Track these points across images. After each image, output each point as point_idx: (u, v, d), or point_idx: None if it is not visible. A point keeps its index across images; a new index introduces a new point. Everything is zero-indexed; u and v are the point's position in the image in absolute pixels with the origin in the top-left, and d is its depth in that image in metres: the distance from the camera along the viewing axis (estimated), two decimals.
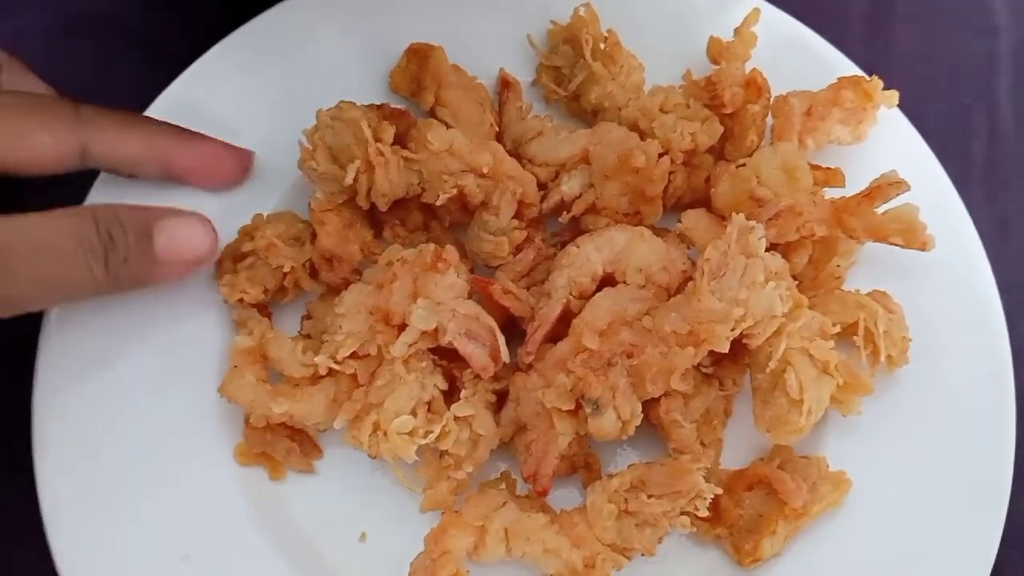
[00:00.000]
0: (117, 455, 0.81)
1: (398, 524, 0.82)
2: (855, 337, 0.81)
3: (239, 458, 0.82)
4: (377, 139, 0.80)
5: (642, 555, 0.76)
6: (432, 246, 0.79)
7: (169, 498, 0.80)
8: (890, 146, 0.91)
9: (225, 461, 0.82)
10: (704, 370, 0.82)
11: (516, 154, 0.89)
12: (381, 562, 0.81)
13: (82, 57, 1.00)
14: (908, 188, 0.80)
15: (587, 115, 0.93)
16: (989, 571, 0.79)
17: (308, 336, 0.83)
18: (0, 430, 0.85)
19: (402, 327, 0.75)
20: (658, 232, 0.86)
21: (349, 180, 0.79)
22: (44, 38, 1.00)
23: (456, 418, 0.75)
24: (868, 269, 0.88)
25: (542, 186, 0.88)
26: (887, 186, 0.80)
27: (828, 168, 0.84)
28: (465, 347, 0.76)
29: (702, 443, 0.81)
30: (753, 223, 0.76)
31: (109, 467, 0.80)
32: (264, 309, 0.85)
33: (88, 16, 1.01)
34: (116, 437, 0.81)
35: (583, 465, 0.81)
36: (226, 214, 0.86)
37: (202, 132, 0.87)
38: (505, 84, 0.94)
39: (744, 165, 0.82)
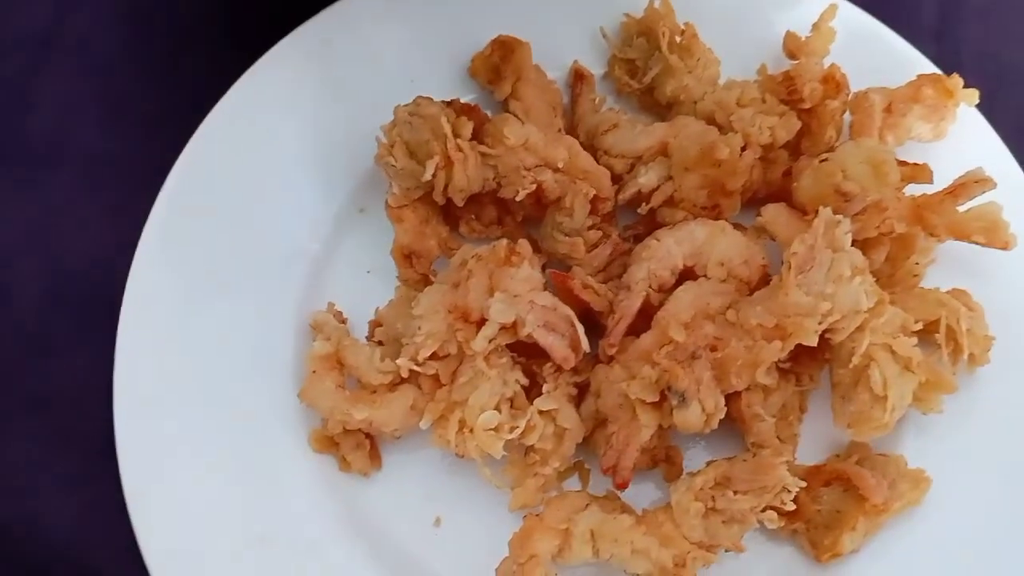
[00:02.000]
0: (197, 441, 0.81)
1: (472, 508, 0.82)
2: (936, 335, 0.81)
3: (314, 444, 0.83)
4: (456, 135, 0.80)
5: (727, 551, 0.76)
6: (505, 241, 0.79)
7: (246, 482, 0.81)
8: (967, 144, 0.90)
9: (301, 447, 0.83)
10: (781, 366, 0.82)
11: (591, 146, 0.89)
12: (456, 546, 0.82)
13: (146, 48, 1.00)
14: (994, 186, 0.80)
15: (660, 108, 0.93)
16: None
17: (380, 343, 0.83)
18: (86, 415, 0.85)
19: (481, 323, 0.75)
20: (735, 226, 0.86)
21: (428, 176, 0.79)
22: (120, 22, 1.00)
23: (540, 412, 0.75)
24: (944, 267, 0.87)
25: (617, 178, 0.88)
26: (972, 183, 0.80)
27: (915, 164, 0.83)
28: (545, 338, 0.76)
29: (779, 439, 0.81)
30: (839, 217, 0.76)
31: (191, 455, 0.81)
32: (339, 315, 0.86)
33: (151, 7, 1.01)
34: (198, 426, 0.82)
35: (664, 459, 0.81)
36: (291, 209, 0.88)
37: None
38: (579, 76, 0.94)
39: (827, 160, 0.82)
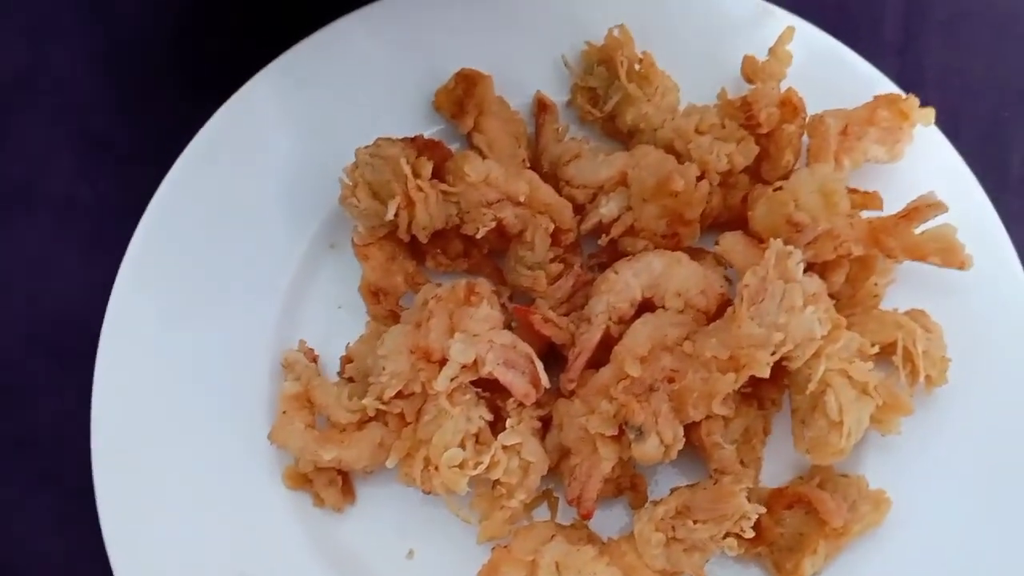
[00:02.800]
0: (174, 479, 0.84)
1: (444, 541, 0.85)
2: (894, 357, 0.82)
3: (288, 482, 0.85)
4: (416, 175, 0.82)
5: None
6: (464, 281, 0.81)
7: (224, 519, 0.84)
8: (927, 164, 0.91)
9: (276, 484, 0.85)
10: (743, 390, 0.83)
11: (553, 176, 0.91)
12: None
13: (127, 82, 1.02)
14: (946, 210, 0.81)
15: (622, 136, 0.94)
16: None
17: (351, 379, 0.85)
18: (64, 456, 0.88)
19: (443, 362, 0.77)
20: (695, 253, 0.87)
21: (390, 216, 0.81)
22: (94, 63, 1.02)
23: (504, 447, 0.77)
24: (906, 287, 0.88)
25: (579, 208, 0.90)
26: (925, 207, 0.81)
27: (866, 192, 0.85)
28: (505, 376, 0.78)
29: (742, 462, 0.82)
30: (791, 248, 0.77)
31: (167, 492, 0.83)
32: (310, 353, 0.87)
33: (133, 42, 1.03)
34: (175, 464, 0.84)
35: (629, 487, 0.83)
36: (262, 246, 0.89)
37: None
38: (542, 106, 0.95)
39: (781, 188, 0.83)
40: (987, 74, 1.04)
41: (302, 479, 0.84)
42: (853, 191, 0.84)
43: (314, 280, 0.92)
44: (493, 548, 0.79)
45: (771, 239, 0.77)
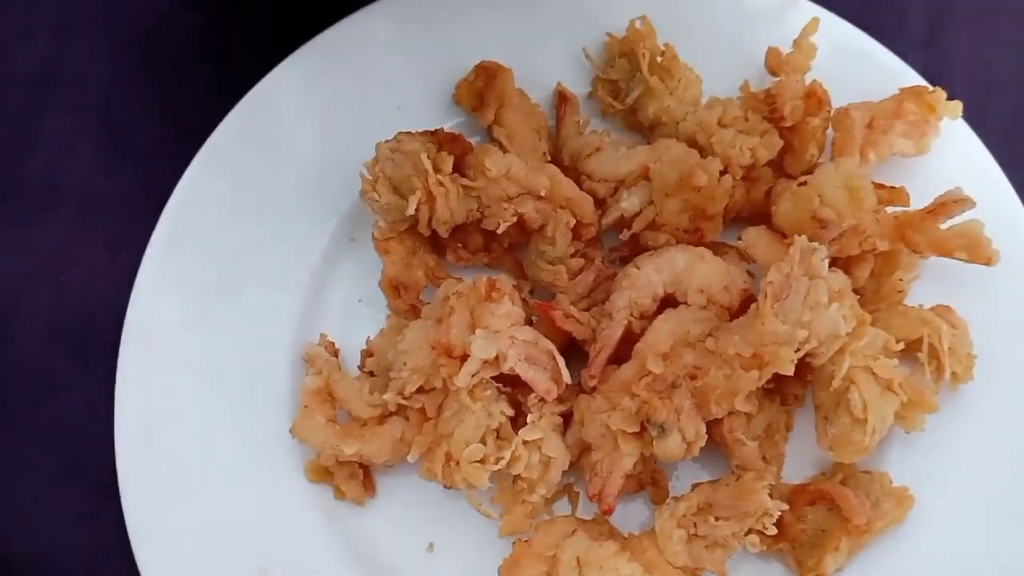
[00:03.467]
0: (196, 472, 0.84)
1: (465, 534, 0.85)
2: (919, 354, 0.81)
3: (309, 475, 0.85)
4: (436, 169, 0.81)
5: (713, 574, 0.78)
6: (485, 278, 0.81)
7: (246, 512, 0.84)
8: (954, 157, 0.90)
9: (298, 477, 0.85)
10: (766, 386, 0.82)
11: (574, 169, 0.90)
12: (448, 571, 0.84)
13: (148, 76, 1.02)
14: (973, 206, 0.80)
15: (644, 129, 0.94)
16: None
17: (371, 373, 0.85)
18: (89, 448, 0.89)
19: (464, 358, 0.76)
20: (717, 248, 0.87)
21: (411, 211, 0.81)
22: (115, 56, 1.02)
23: (525, 442, 0.77)
24: (932, 282, 0.87)
25: (601, 202, 0.89)
26: (952, 203, 0.80)
27: (892, 187, 0.84)
28: (526, 372, 0.78)
29: (764, 458, 0.82)
30: (815, 244, 0.76)
31: (190, 484, 0.84)
32: (331, 347, 0.88)
33: (153, 36, 1.03)
34: (197, 458, 0.84)
35: (650, 482, 0.83)
36: (283, 240, 0.89)
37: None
38: (563, 98, 0.94)
39: (806, 183, 0.82)
40: (1014, 67, 1.02)
41: (324, 472, 0.84)
42: (879, 186, 0.83)
43: (335, 274, 0.92)
44: (514, 542, 0.79)
45: (795, 235, 0.76)
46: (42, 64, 1.02)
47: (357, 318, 0.91)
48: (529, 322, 0.84)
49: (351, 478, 0.83)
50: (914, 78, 0.92)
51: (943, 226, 0.82)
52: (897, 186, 0.83)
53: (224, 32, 1.03)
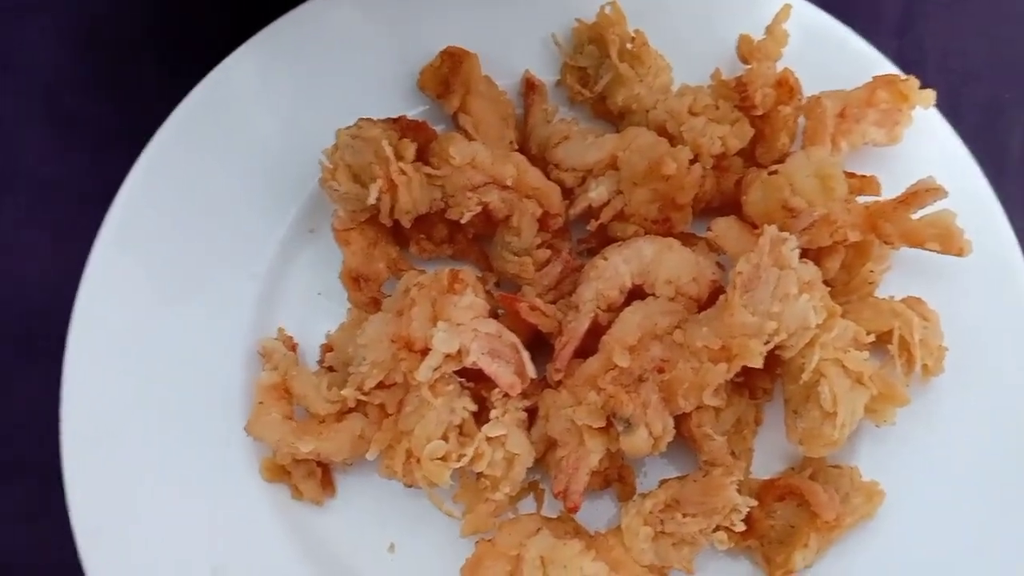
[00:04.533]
0: (148, 470, 0.81)
1: (426, 534, 0.83)
2: (890, 346, 0.80)
3: (265, 474, 0.83)
4: (398, 157, 0.79)
5: (680, 571, 0.76)
6: (448, 269, 0.78)
7: (199, 512, 0.81)
8: (926, 147, 0.89)
9: (253, 476, 0.83)
10: (735, 380, 0.81)
11: (542, 158, 0.88)
12: (410, 573, 0.82)
13: (101, 59, 0.99)
14: (946, 195, 0.78)
15: (613, 117, 0.92)
16: None
17: (331, 368, 0.82)
18: (35, 445, 0.85)
19: (425, 352, 0.74)
20: (687, 238, 0.85)
21: (372, 200, 0.79)
22: (66, 39, 0.99)
23: (488, 439, 0.75)
24: (903, 274, 0.86)
25: (568, 192, 0.87)
26: (924, 192, 0.78)
27: (863, 176, 0.82)
28: (489, 366, 0.76)
29: (733, 453, 0.80)
30: (786, 234, 0.75)
31: (141, 485, 0.81)
32: (289, 341, 0.85)
33: (107, 18, 0.99)
34: (148, 455, 0.81)
35: (617, 479, 0.81)
36: (240, 230, 0.87)
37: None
38: (530, 86, 0.92)
39: (776, 172, 0.81)
40: (989, 56, 1.01)
41: (280, 471, 0.81)
42: (850, 175, 0.81)
43: (293, 266, 0.89)
44: (477, 542, 0.77)
45: (765, 225, 0.75)
46: None
47: (316, 312, 0.88)
48: (495, 315, 0.81)
49: (309, 477, 0.81)
50: (887, 66, 0.90)
51: (915, 216, 0.80)
52: (868, 175, 0.82)
53: (180, 17, 1.00)
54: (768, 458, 0.84)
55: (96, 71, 0.99)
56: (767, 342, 0.73)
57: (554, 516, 0.80)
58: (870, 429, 0.82)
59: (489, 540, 0.76)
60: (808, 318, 0.74)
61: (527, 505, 0.84)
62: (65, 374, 0.82)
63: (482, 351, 0.74)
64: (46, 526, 0.83)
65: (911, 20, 1.01)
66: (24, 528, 0.85)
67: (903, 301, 0.83)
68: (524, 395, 0.78)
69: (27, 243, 0.93)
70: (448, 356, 0.74)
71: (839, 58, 0.91)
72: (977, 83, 1.00)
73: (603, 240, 0.86)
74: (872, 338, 0.78)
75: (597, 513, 0.83)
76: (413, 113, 0.89)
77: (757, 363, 0.73)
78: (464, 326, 0.74)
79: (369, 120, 0.82)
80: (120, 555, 0.79)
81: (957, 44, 1.01)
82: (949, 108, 0.91)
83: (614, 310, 0.80)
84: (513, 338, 0.76)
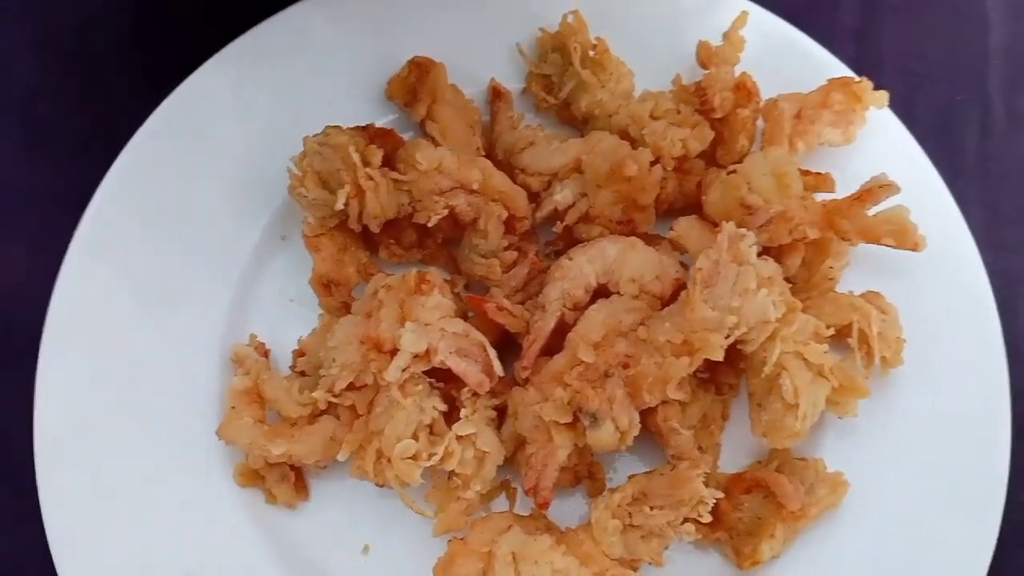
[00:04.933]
0: (121, 476, 0.82)
1: (400, 535, 0.83)
2: (849, 339, 0.82)
3: (239, 479, 0.83)
4: (365, 163, 0.80)
5: (650, 564, 0.77)
6: (415, 270, 0.80)
7: (173, 517, 0.82)
8: (881, 146, 0.91)
9: (227, 481, 0.83)
10: (700, 375, 0.83)
11: (508, 164, 0.90)
12: (384, 573, 0.83)
13: (74, 69, 1.00)
14: (898, 190, 0.80)
15: (578, 123, 0.94)
16: (987, 567, 0.80)
17: (303, 373, 0.83)
18: (10, 458, 0.86)
19: (394, 352, 0.75)
20: (650, 239, 0.87)
21: (340, 205, 0.80)
22: (40, 51, 1.00)
23: (458, 437, 0.76)
24: (862, 270, 0.88)
25: (535, 196, 0.89)
26: (877, 189, 0.81)
27: (818, 173, 0.84)
28: (458, 365, 0.77)
29: (700, 448, 0.82)
30: (743, 231, 0.77)
31: (114, 491, 0.81)
32: (261, 347, 0.86)
33: (80, 28, 1.01)
34: (121, 461, 0.82)
35: (587, 475, 0.82)
36: (212, 238, 0.88)
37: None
38: (496, 94, 0.94)
39: (735, 172, 0.83)
40: (945, 59, 1.04)
41: (253, 476, 0.82)
42: (805, 173, 0.84)
43: (265, 272, 0.90)
44: (449, 540, 0.78)
45: (723, 222, 0.77)
46: None
47: (288, 317, 0.89)
48: (464, 318, 0.83)
49: (282, 481, 0.82)
50: (842, 69, 0.93)
51: (871, 212, 0.82)
52: (823, 172, 0.84)
53: (153, 28, 1.01)
54: (735, 454, 0.86)
55: (69, 81, 1.00)
56: (728, 336, 0.75)
57: (526, 514, 0.81)
58: (834, 423, 0.84)
59: (461, 539, 0.77)
60: (767, 312, 0.76)
61: (500, 505, 0.85)
62: (38, 380, 0.83)
63: (450, 350, 0.76)
64: (19, 535, 0.83)
65: (867, 26, 1.04)
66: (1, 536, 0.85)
67: (862, 296, 0.85)
68: (493, 394, 0.79)
69: (2, 250, 0.94)
70: (416, 356, 0.75)
71: (795, 63, 0.93)
72: (932, 85, 1.02)
73: (569, 242, 0.88)
74: (832, 332, 0.80)
75: (568, 511, 0.84)
76: (382, 122, 0.91)
77: (718, 356, 0.75)
78: (431, 326, 0.76)
79: (336, 127, 0.83)
80: (93, 560, 0.79)
81: (913, 48, 1.04)
82: (905, 110, 0.93)
83: (580, 309, 0.81)
84: (480, 337, 0.77)
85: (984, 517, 0.80)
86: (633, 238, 0.83)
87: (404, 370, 0.75)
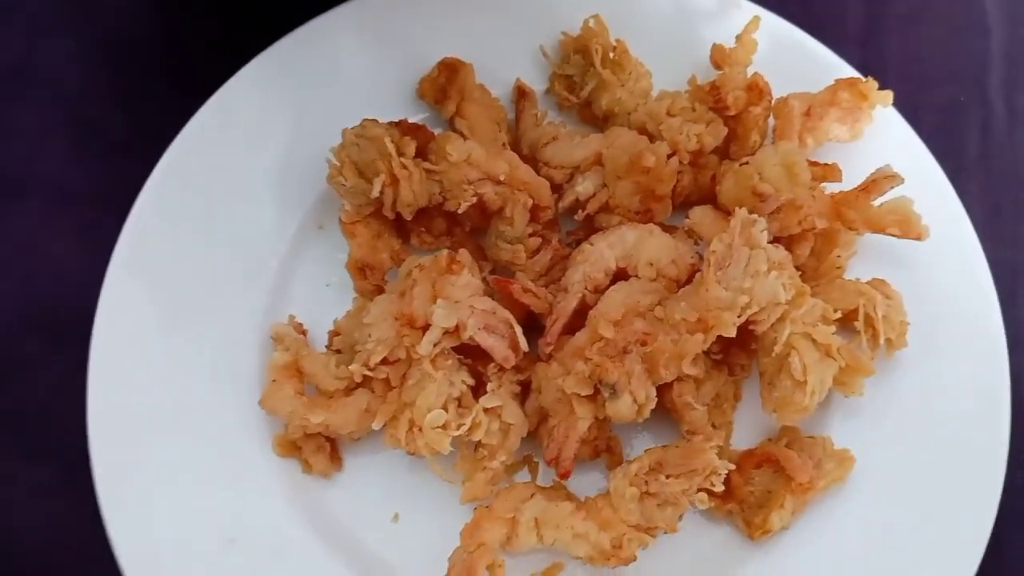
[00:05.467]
0: (169, 449, 0.87)
1: (428, 504, 0.87)
2: (855, 323, 0.86)
3: (278, 449, 0.88)
4: (400, 153, 0.85)
5: (665, 532, 0.81)
6: (446, 251, 0.85)
7: (217, 487, 0.86)
8: (885, 142, 0.96)
9: (267, 452, 0.88)
10: (714, 356, 0.87)
11: (532, 158, 0.95)
12: (413, 540, 0.87)
13: (113, 80, 1.06)
14: (902, 181, 0.85)
15: (598, 120, 0.99)
16: (986, 541, 0.83)
17: (339, 351, 0.88)
18: (61, 435, 0.91)
19: (426, 328, 0.80)
20: (667, 229, 0.91)
21: (376, 193, 0.85)
22: (75, 62, 1.06)
23: (485, 409, 0.81)
24: (869, 259, 0.93)
25: (557, 187, 0.94)
26: (882, 179, 0.85)
27: (826, 164, 0.89)
28: (485, 340, 0.82)
29: (713, 425, 0.86)
30: (755, 216, 0.81)
31: (160, 459, 0.86)
32: (299, 327, 0.91)
33: (118, 40, 1.07)
34: (168, 433, 0.87)
35: (605, 449, 0.86)
36: (253, 229, 0.93)
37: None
38: (521, 93, 0.99)
39: (747, 163, 0.88)
40: (945, 64, 1.09)
41: (292, 447, 0.87)
42: (813, 164, 0.88)
43: (303, 260, 0.95)
44: (475, 508, 0.82)
45: (737, 208, 0.81)
46: (16, 59, 1.05)
47: (325, 302, 0.94)
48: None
49: (318, 452, 0.86)
50: (848, 71, 0.98)
51: (876, 203, 0.87)
52: (830, 163, 0.89)
53: (194, 32, 1.07)
54: (747, 433, 0.90)
55: (116, 84, 1.05)
56: (740, 315, 0.79)
57: (547, 485, 0.86)
58: (841, 404, 0.88)
59: (487, 506, 0.82)
60: (777, 293, 0.80)
61: (522, 478, 0.89)
62: (91, 363, 0.88)
63: (478, 326, 0.80)
64: (69, 507, 0.88)
65: (872, 32, 1.09)
66: (51, 506, 0.89)
67: (868, 283, 0.89)
68: (518, 369, 0.84)
69: (50, 244, 0.99)
70: (447, 331, 0.80)
71: (804, 64, 0.98)
72: (935, 87, 1.07)
73: (590, 231, 0.92)
74: (839, 315, 0.85)
75: (587, 484, 0.88)
76: (413, 120, 0.96)
77: (731, 332, 0.79)
78: (461, 303, 0.80)
79: (373, 120, 0.88)
80: (143, 529, 0.84)
81: (915, 53, 1.09)
82: (909, 111, 0.98)
83: (600, 291, 0.86)
84: (507, 314, 0.82)
85: (984, 493, 0.84)
86: (651, 225, 0.88)
87: (435, 344, 0.80)
